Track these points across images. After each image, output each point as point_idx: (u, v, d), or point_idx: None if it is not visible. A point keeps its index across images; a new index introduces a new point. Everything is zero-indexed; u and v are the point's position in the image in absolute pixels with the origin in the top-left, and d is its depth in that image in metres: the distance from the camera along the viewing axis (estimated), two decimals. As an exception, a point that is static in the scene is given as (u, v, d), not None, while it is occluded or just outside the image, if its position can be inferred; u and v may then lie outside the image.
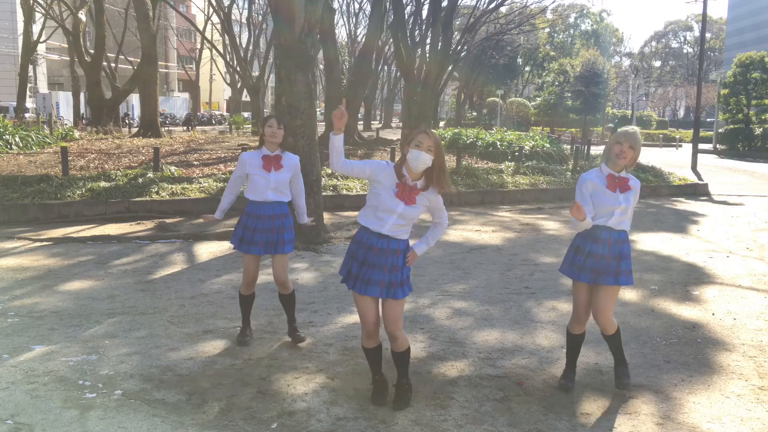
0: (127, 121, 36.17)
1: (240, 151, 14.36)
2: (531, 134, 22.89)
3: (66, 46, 37.00)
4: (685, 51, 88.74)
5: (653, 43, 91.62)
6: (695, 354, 4.75)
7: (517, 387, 4.09)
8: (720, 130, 34.04)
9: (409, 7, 32.80)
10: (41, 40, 37.09)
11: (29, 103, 37.58)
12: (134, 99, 39.99)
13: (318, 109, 20.49)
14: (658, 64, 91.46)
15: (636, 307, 5.89)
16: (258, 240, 4.53)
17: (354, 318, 5.41)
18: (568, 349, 4.18)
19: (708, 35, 70.10)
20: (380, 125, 55.48)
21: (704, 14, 23.04)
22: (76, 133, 21.90)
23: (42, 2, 31.00)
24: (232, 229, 9.08)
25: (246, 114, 44.00)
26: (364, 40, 26.91)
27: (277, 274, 4.67)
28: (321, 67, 31.16)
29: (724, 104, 33.36)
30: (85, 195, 10.36)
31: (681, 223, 10.86)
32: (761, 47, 43.94)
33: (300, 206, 4.82)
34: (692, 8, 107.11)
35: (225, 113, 59.27)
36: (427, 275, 6.88)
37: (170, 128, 34.55)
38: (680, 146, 37.50)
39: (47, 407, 3.68)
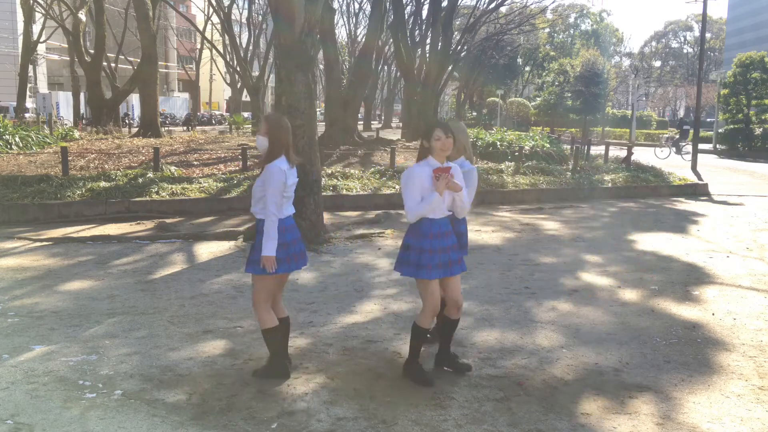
0: (127, 121, 36.17)
1: (240, 150, 14.37)
2: (531, 134, 22.88)
3: (66, 46, 36.99)
4: (685, 51, 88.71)
5: (653, 43, 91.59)
6: (695, 354, 4.75)
7: (517, 387, 4.09)
8: (720, 130, 34.01)
9: (409, 7, 32.82)
10: (41, 40, 37.06)
11: (29, 103, 37.57)
12: (134, 99, 39.99)
13: (318, 109, 20.45)
14: (658, 64, 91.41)
15: (636, 307, 5.89)
16: (438, 262, 4.01)
17: (354, 318, 5.41)
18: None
19: (708, 35, 70.12)
20: (380, 125, 55.45)
21: (704, 14, 23.02)
22: (76, 133, 21.87)
23: (42, 2, 30.99)
24: (233, 229, 9.16)
25: (246, 114, 43.99)
26: (364, 40, 26.90)
27: (455, 296, 4.16)
28: (321, 67, 31.17)
29: (724, 104, 33.32)
30: (85, 195, 10.36)
31: (681, 223, 10.86)
32: (761, 47, 43.89)
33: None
34: (692, 8, 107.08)
35: (225, 113, 59.26)
36: (427, 275, 6.87)
37: (170, 128, 34.54)
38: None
39: (47, 407, 3.69)
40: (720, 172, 21.21)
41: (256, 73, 36.92)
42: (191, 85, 55.53)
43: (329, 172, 12.63)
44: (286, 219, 4.10)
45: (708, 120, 50.88)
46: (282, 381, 4.08)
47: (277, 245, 3.98)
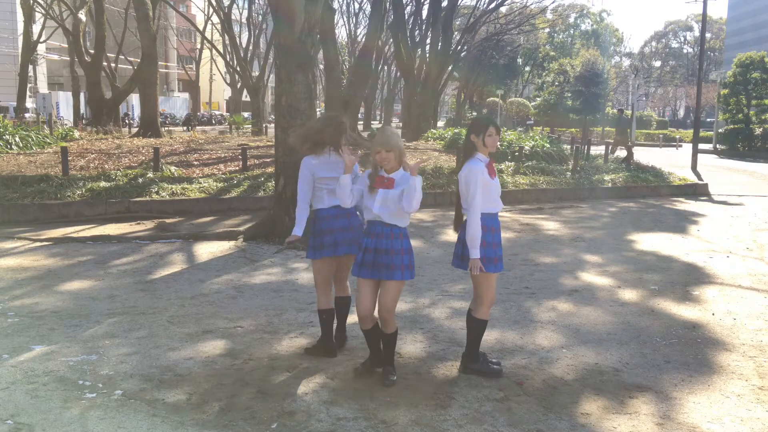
0: (127, 121, 36.15)
1: (240, 150, 14.36)
2: (531, 134, 22.89)
3: (66, 46, 36.97)
4: (685, 51, 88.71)
5: (653, 43, 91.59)
6: (695, 354, 4.75)
7: (517, 387, 4.10)
8: (720, 130, 34.03)
9: (409, 7, 32.80)
10: (41, 40, 37.06)
11: (29, 103, 37.54)
12: (134, 99, 39.95)
13: (318, 109, 20.45)
14: (658, 64, 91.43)
15: (636, 307, 5.89)
16: (495, 256, 4.11)
17: (354, 318, 5.40)
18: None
19: (708, 35, 70.11)
20: (380, 125, 55.44)
21: (704, 14, 23.04)
22: (76, 133, 21.86)
23: (42, 2, 30.99)
24: (233, 229, 9.15)
25: (246, 114, 43.98)
26: (364, 40, 26.90)
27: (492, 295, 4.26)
28: (321, 67, 31.17)
29: (724, 104, 33.32)
30: (85, 195, 10.36)
31: (681, 223, 10.86)
32: (761, 47, 43.90)
33: None
34: (692, 8, 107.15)
35: (225, 113, 59.24)
36: (427, 275, 6.88)
37: (170, 128, 34.52)
38: (680, 146, 37.49)
39: (47, 407, 3.69)
40: (720, 172, 21.22)
41: (256, 73, 36.92)
42: (191, 85, 55.51)
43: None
44: (329, 209, 4.40)
45: (708, 120, 50.90)
46: (329, 358, 4.47)
47: (323, 231, 4.38)
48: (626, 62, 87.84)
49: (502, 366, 4.34)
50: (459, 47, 35.23)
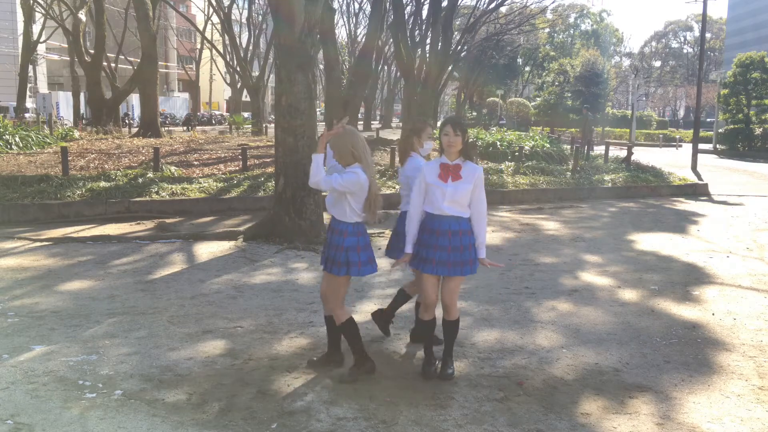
0: (127, 121, 36.14)
1: (240, 150, 14.36)
2: (531, 134, 22.89)
3: (66, 46, 36.96)
4: (685, 51, 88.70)
5: (653, 43, 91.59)
6: (695, 354, 4.75)
7: (517, 387, 4.09)
8: (720, 130, 34.02)
9: (409, 7, 32.78)
10: (41, 40, 37.05)
11: (29, 103, 37.54)
12: (134, 99, 39.95)
13: (318, 109, 20.45)
14: (658, 64, 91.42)
15: (636, 307, 5.89)
16: (431, 257, 4.06)
17: (354, 318, 5.40)
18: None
19: (708, 35, 70.12)
20: (380, 125, 55.40)
21: (704, 14, 23.04)
22: (76, 133, 21.89)
23: (42, 2, 30.99)
24: (233, 229, 9.15)
25: (246, 114, 43.98)
26: (364, 40, 26.92)
27: (443, 297, 4.20)
28: (321, 67, 31.16)
29: (724, 104, 33.32)
30: (85, 195, 10.36)
31: (681, 223, 10.86)
32: (761, 47, 43.87)
33: (478, 234, 4.17)
34: (692, 8, 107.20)
35: (225, 113, 59.22)
36: (427, 275, 6.87)
37: (170, 128, 34.52)
38: (680, 146, 37.46)
39: (47, 407, 3.69)
40: (720, 172, 21.21)
41: (256, 73, 36.90)
42: (191, 85, 55.49)
43: (329, 172, 12.63)
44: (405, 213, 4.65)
45: (708, 120, 50.88)
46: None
47: (399, 232, 4.60)
48: (626, 62, 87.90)
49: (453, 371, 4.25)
50: (459, 47, 35.18)
